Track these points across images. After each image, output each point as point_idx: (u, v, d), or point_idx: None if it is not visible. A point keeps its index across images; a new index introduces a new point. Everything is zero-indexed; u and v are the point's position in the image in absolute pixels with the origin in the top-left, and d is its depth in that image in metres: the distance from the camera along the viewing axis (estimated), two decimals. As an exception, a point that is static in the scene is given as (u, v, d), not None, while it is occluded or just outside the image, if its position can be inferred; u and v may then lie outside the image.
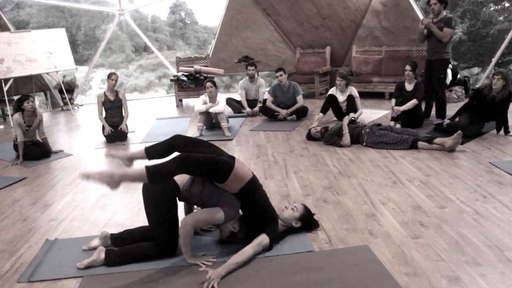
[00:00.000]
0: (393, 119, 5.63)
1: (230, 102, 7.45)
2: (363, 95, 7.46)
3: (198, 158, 2.52)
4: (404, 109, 5.55)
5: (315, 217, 3.03)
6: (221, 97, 6.16)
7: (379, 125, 5.14)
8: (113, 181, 2.34)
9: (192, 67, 8.67)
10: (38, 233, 3.20)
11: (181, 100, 8.79)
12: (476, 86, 8.27)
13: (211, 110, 5.99)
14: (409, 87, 5.72)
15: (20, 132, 5.15)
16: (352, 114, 5.81)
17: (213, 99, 6.06)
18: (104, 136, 5.99)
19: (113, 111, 6.09)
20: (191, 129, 6.39)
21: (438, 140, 4.66)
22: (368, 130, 5.03)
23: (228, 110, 7.18)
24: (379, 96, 8.02)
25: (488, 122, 5.26)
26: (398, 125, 5.44)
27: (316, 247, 2.73)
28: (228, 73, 10.53)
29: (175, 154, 2.60)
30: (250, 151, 5.13)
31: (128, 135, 6.18)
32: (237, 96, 7.82)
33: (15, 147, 5.29)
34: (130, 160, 2.76)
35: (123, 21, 11.90)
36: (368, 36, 8.62)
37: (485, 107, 5.13)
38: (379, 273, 2.38)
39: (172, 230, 2.67)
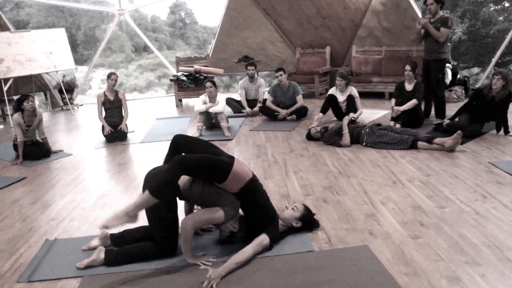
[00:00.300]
0: (393, 119, 5.63)
1: (230, 102, 7.45)
2: (363, 95, 7.46)
3: (196, 159, 2.52)
4: (404, 109, 5.55)
5: (316, 217, 3.03)
6: (221, 97, 6.15)
7: (379, 125, 5.14)
8: (131, 217, 2.43)
9: (192, 67, 8.67)
10: (37, 233, 3.20)
11: (180, 100, 8.79)
12: (476, 86, 8.27)
13: (211, 110, 5.99)
14: (409, 87, 5.72)
15: (19, 132, 5.15)
16: (352, 114, 5.81)
17: (213, 99, 6.06)
18: (104, 136, 5.99)
19: (113, 111, 6.09)
20: (191, 129, 6.39)
21: (438, 140, 4.66)
22: (368, 130, 5.03)
23: (228, 110, 7.18)
24: (379, 96, 8.02)
25: (488, 122, 5.26)
26: (398, 125, 5.44)
27: (316, 247, 2.73)
28: (228, 73, 10.54)
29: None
30: (249, 151, 5.13)
31: (128, 135, 6.17)
32: (237, 96, 7.82)
33: (15, 147, 5.29)
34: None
35: (123, 21, 11.91)
36: (368, 36, 8.63)
37: (485, 107, 5.13)
38: (378, 273, 2.38)
39: (172, 230, 2.67)
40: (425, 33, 5.70)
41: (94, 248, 2.78)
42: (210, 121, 6.20)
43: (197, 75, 8.58)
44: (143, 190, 2.65)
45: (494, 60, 8.70)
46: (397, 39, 8.35)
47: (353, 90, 6.11)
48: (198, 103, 6.08)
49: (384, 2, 8.20)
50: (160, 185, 2.44)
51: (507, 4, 15.24)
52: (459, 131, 4.54)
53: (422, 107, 5.92)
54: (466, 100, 5.93)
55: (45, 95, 9.61)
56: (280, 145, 5.29)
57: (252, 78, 7.25)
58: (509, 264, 2.41)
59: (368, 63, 8.37)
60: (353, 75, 8.16)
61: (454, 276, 2.32)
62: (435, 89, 5.83)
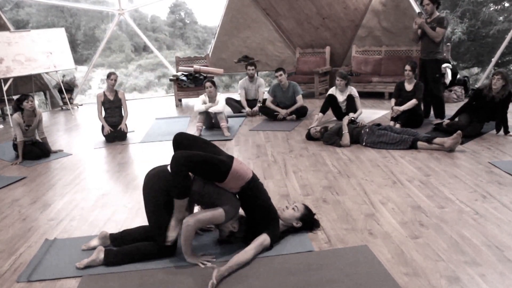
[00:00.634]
0: (392, 119, 5.63)
1: (229, 102, 7.45)
2: (363, 95, 7.46)
3: (198, 157, 2.53)
4: (403, 109, 5.55)
5: (316, 217, 3.02)
6: (221, 97, 6.15)
7: (378, 125, 5.14)
8: (181, 220, 2.59)
9: (192, 66, 8.67)
10: (37, 232, 3.20)
11: (180, 100, 8.78)
12: (476, 86, 8.27)
13: (210, 110, 5.99)
14: (408, 87, 5.72)
15: (19, 131, 5.14)
16: (351, 114, 5.81)
17: (212, 99, 6.06)
18: (104, 135, 5.99)
19: (113, 110, 6.09)
20: (191, 129, 6.38)
21: (437, 140, 4.66)
22: (367, 130, 5.02)
23: (228, 110, 7.17)
24: (379, 96, 8.02)
25: (487, 122, 5.26)
26: (397, 125, 5.44)
27: (315, 247, 2.73)
28: (227, 73, 10.54)
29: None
30: (249, 151, 5.13)
31: (128, 134, 6.17)
32: (236, 96, 7.82)
33: (15, 146, 5.28)
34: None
35: (122, 21, 11.91)
36: (368, 36, 8.62)
37: (484, 107, 5.13)
38: (378, 273, 2.38)
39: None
40: (422, 33, 5.72)
41: (93, 248, 2.78)
42: (210, 121, 6.20)
43: (196, 75, 8.58)
44: (145, 187, 2.67)
45: (494, 60, 8.70)
46: (397, 39, 8.35)
47: (353, 90, 6.11)
48: (197, 103, 6.08)
49: (384, 2, 8.19)
50: (179, 186, 2.55)
51: (507, 4, 15.24)
52: (458, 131, 4.54)
53: (422, 107, 5.93)
54: (466, 100, 5.93)
55: (45, 95, 9.61)
56: (280, 145, 5.29)
57: (252, 78, 7.25)
58: (509, 264, 2.41)
59: (368, 63, 8.37)
60: (353, 75, 8.16)
61: (454, 276, 2.32)
62: (433, 89, 5.84)
